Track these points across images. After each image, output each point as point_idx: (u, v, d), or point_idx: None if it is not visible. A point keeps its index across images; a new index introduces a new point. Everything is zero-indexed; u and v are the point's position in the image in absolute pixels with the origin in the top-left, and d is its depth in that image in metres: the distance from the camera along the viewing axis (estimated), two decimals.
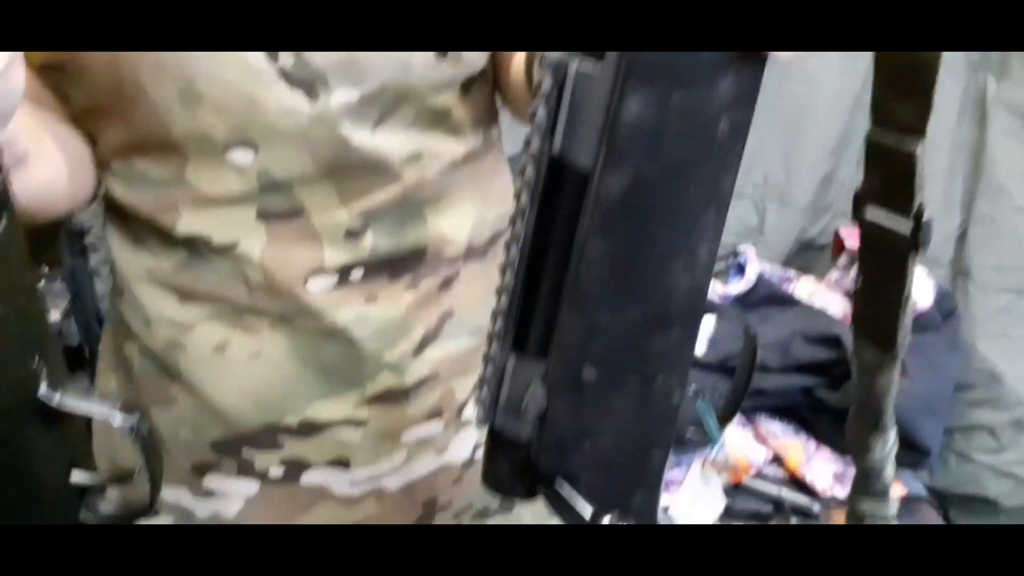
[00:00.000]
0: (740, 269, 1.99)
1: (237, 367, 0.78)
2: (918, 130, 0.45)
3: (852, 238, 1.89)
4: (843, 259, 1.96)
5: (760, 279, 1.95)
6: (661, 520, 0.56)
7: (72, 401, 0.45)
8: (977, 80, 1.83)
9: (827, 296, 1.88)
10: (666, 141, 0.41)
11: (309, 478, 0.81)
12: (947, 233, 1.90)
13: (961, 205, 1.89)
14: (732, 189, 0.44)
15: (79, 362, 1.44)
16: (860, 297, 0.53)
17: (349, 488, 0.82)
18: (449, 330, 0.82)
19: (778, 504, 1.73)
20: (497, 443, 0.52)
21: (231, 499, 0.81)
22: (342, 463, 0.81)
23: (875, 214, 0.49)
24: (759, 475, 1.78)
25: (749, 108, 0.42)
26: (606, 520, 0.49)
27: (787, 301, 1.90)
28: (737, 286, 1.96)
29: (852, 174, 1.97)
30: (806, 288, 1.94)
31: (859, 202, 0.50)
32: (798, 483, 1.77)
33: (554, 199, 0.44)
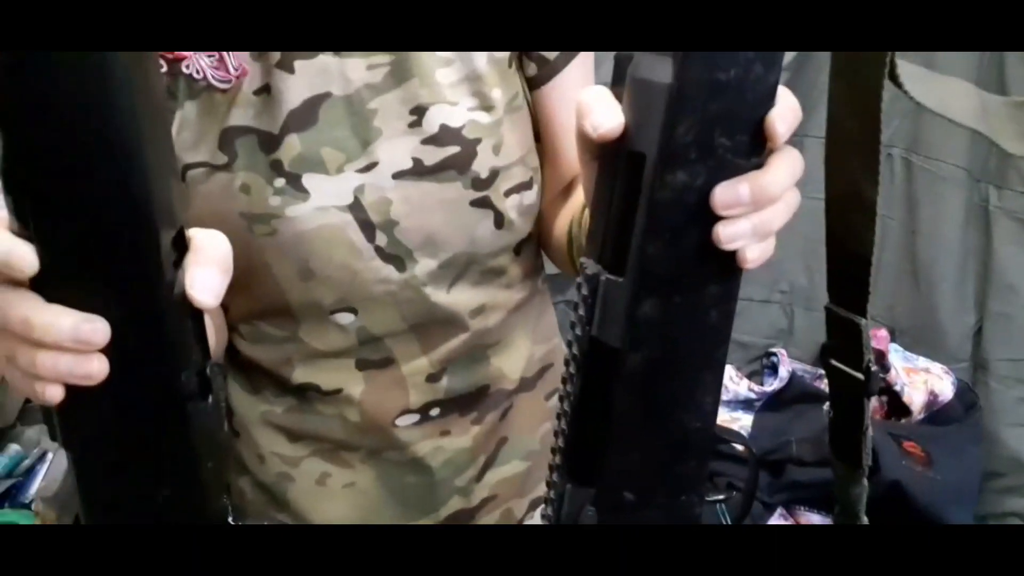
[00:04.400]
0: (773, 369, 2.11)
1: (335, 495, 0.90)
2: (860, 310, 0.60)
3: (875, 339, 2.00)
4: None
5: (792, 377, 2.06)
6: None
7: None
8: (980, 191, 1.94)
9: None
10: (671, 329, 0.56)
11: None
12: (964, 331, 2.00)
13: (975, 305, 1.99)
14: (725, 356, 0.59)
15: None
16: (832, 426, 0.67)
17: None
18: (504, 456, 0.93)
19: None
20: None
21: None
22: None
23: (838, 364, 0.64)
24: None
25: (732, 302, 0.57)
26: None
27: (819, 398, 2.01)
28: (772, 384, 2.08)
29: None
30: None
31: (824, 354, 0.65)
32: None
33: (593, 368, 0.59)
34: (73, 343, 0.46)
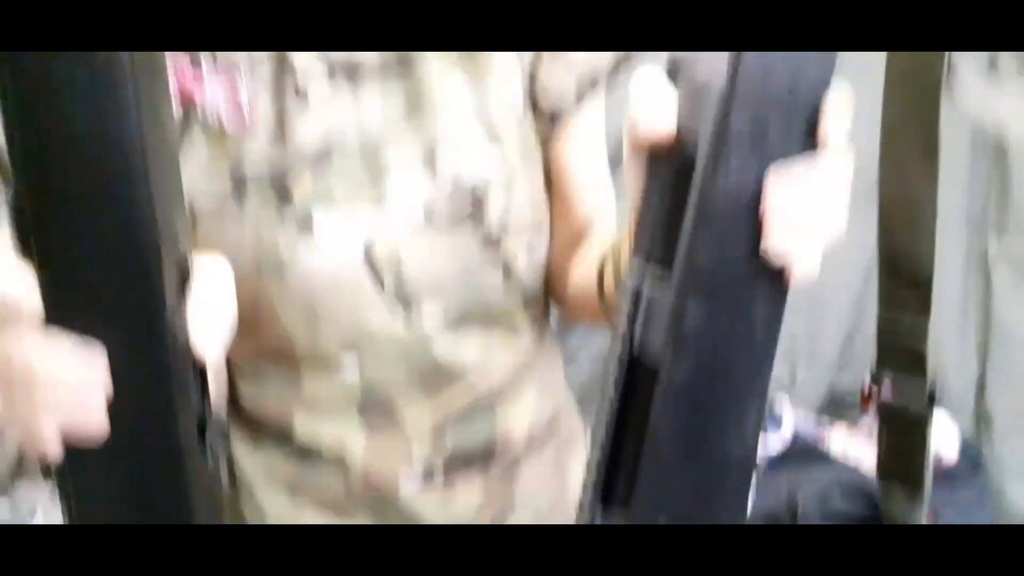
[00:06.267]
0: (775, 420, 2.09)
1: None
2: (920, 327, 0.57)
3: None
4: (872, 409, 2.04)
5: (796, 436, 2.03)
6: None
7: None
8: (979, 238, 1.94)
9: (860, 448, 1.95)
10: (718, 345, 0.54)
11: None
12: (966, 383, 1.98)
13: (976, 355, 1.97)
14: (771, 371, 0.57)
15: None
16: (885, 449, 0.64)
17: None
18: (512, 516, 0.89)
19: None
20: None
21: None
22: None
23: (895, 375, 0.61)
24: None
25: (777, 326, 0.54)
26: None
27: (823, 458, 1.97)
28: (775, 442, 2.04)
29: (873, 329, 2.09)
30: (839, 438, 2.01)
31: (878, 367, 0.62)
32: None
33: (632, 390, 0.57)
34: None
